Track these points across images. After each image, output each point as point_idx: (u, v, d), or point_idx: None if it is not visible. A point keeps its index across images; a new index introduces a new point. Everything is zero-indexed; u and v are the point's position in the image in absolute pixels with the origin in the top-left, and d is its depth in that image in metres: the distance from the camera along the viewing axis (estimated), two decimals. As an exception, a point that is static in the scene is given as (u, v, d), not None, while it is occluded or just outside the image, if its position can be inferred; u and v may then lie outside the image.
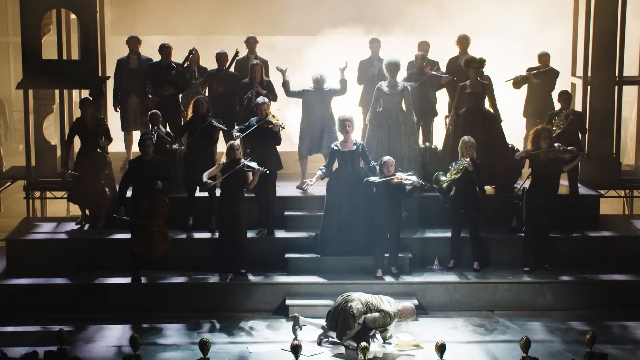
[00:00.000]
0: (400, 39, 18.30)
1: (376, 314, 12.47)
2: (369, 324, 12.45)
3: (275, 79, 15.99)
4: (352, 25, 18.82)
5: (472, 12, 19.52)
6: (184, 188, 15.09)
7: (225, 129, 15.14)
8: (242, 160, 14.08)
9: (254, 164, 13.99)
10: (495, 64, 16.08)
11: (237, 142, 14.40)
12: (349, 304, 12.48)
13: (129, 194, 14.28)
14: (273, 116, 14.74)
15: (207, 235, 14.96)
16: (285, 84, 15.56)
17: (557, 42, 17.83)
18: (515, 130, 16.60)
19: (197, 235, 14.98)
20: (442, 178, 14.47)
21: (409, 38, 17.84)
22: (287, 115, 16.36)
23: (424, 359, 12.30)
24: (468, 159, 14.26)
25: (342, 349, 12.53)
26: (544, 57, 16.63)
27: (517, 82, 16.59)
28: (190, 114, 15.06)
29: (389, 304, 12.61)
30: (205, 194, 14.78)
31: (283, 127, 14.81)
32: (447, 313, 13.95)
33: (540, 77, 16.54)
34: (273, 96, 15.77)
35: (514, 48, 19.02)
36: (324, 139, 15.53)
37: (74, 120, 15.91)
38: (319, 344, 12.65)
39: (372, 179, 14.05)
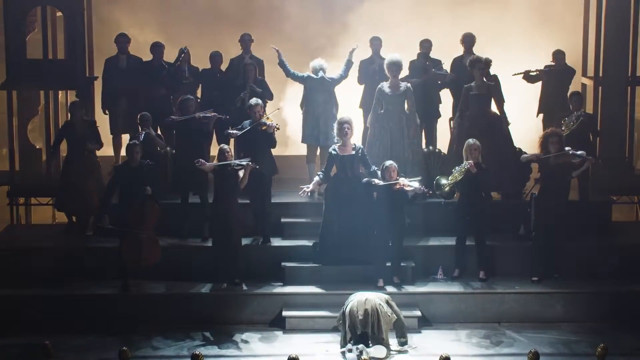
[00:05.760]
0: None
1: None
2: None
3: (273, 78, 16.03)
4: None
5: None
6: (176, 191, 15.02)
7: (218, 115, 14.89)
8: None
9: (243, 162, 13.84)
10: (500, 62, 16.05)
11: (228, 145, 14.29)
12: (380, 302, 12.60)
13: (116, 200, 14.24)
14: (267, 117, 14.59)
15: (200, 243, 14.80)
16: (282, 64, 15.47)
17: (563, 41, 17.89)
18: (523, 134, 16.41)
19: (189, 243, 14.87)
20: (443, 181, 14.35)
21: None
22: (287, 114, 16.42)
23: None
24: (471, 161, 14.07)
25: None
26: (557, 55, 16.46)
27: (529, 77, 16.45)
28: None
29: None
30: (197, 200, 14.71)
31: (278, 128, 14.67)
32: (451, 325, 13.80)
33: (551, 75, 16.36)
34: (269, 94, 15.80)
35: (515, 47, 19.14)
36: (322, 130, 15.38)
37: (61, 123, 16.18)
38: None
39: (377, 181, 13.84)
